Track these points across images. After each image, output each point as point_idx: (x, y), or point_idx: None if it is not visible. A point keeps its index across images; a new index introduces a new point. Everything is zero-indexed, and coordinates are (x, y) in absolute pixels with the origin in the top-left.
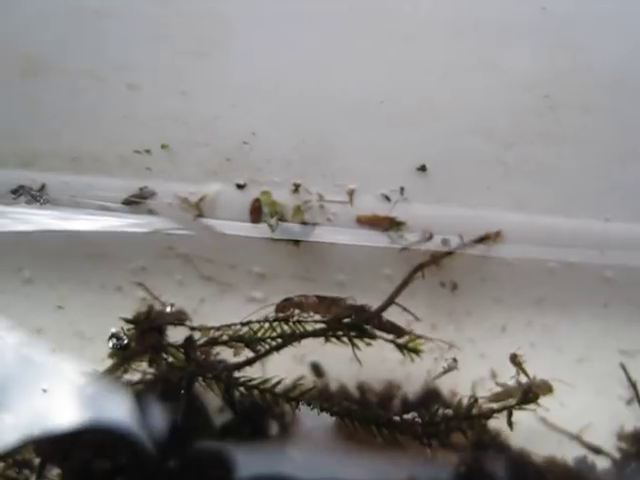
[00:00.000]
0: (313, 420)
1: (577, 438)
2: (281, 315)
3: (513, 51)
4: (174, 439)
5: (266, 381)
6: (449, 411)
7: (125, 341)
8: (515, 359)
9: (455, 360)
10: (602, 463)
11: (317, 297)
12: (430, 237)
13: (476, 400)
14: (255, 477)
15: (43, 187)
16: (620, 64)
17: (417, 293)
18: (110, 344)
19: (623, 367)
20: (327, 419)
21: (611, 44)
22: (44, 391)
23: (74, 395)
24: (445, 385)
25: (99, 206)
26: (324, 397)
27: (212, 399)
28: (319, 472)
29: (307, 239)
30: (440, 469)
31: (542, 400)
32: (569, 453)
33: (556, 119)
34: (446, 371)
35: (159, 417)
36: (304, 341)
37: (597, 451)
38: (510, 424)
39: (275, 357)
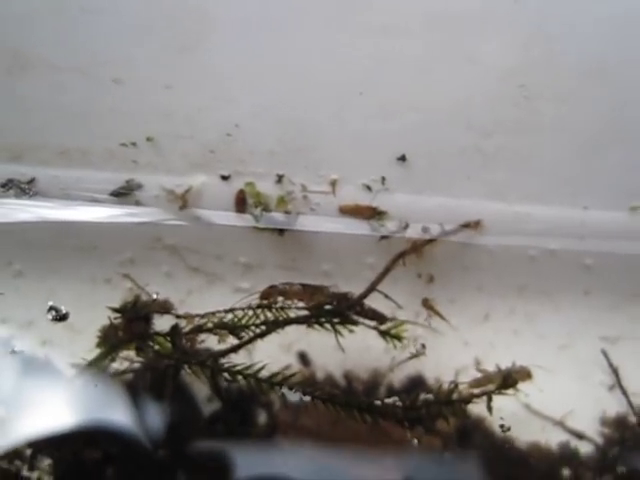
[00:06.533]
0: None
1: (560, 424)
2: (265, 302)
3: (488, 42)
4: (164, 429)
5: (250, 367)
6: (430, 396)
7: (63, 311)
8: (427, 303)
9: (424, 346)
10: (585, 448)
11: (301, 285)
12: (406, 227)
13: (456, 385)
14: (249, 478)
15: (32, 181)
16: (594, 53)
17: (400, 282)
18: (49, 316)
19: (604, 353)
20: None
21: (585, 33)
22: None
23: (64, 387)
24: (430, 373)
25: (87, 198)
26: (309, 384)
27: (200, 389)
28: (308, 465)
29: (291, 228)
30: (425, 456)
31: (523, 386)
32: (553, 439)
33: (532, 108)
34: (413, 356)
35: (149, 407)
36: (291, 330)
37: (580, 436)
38: (489, 409)
39: (262, 346)
